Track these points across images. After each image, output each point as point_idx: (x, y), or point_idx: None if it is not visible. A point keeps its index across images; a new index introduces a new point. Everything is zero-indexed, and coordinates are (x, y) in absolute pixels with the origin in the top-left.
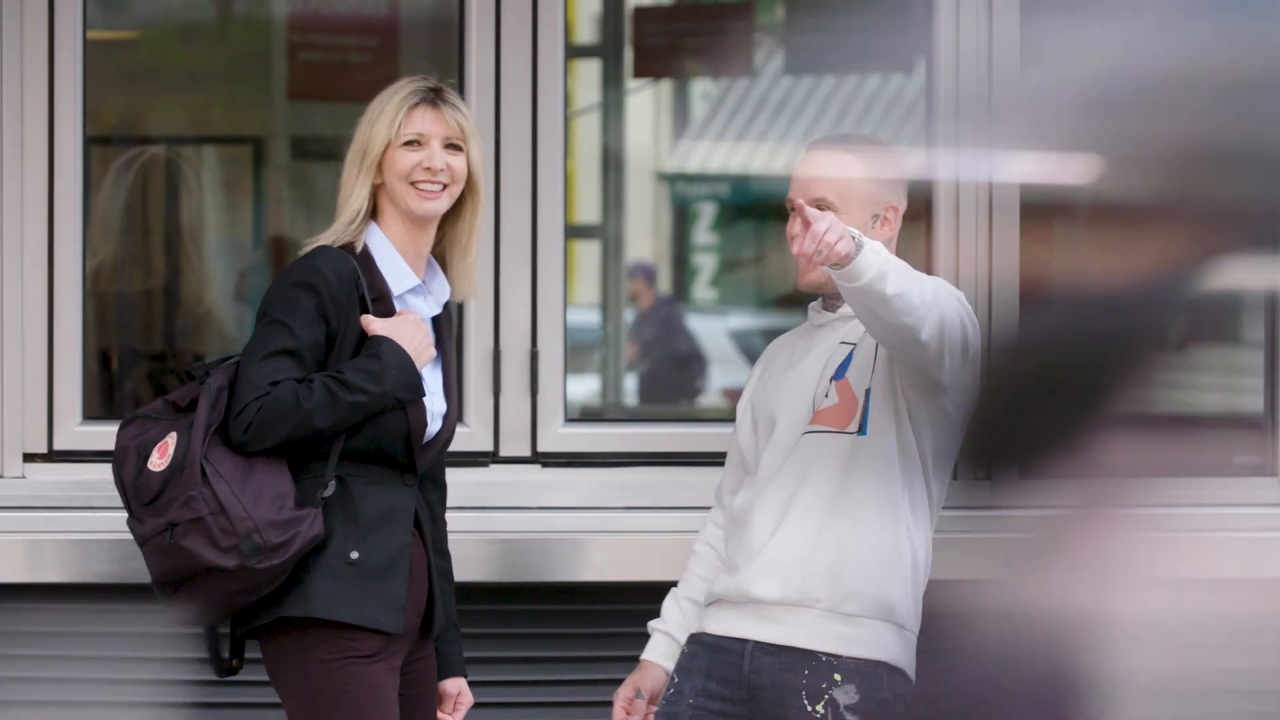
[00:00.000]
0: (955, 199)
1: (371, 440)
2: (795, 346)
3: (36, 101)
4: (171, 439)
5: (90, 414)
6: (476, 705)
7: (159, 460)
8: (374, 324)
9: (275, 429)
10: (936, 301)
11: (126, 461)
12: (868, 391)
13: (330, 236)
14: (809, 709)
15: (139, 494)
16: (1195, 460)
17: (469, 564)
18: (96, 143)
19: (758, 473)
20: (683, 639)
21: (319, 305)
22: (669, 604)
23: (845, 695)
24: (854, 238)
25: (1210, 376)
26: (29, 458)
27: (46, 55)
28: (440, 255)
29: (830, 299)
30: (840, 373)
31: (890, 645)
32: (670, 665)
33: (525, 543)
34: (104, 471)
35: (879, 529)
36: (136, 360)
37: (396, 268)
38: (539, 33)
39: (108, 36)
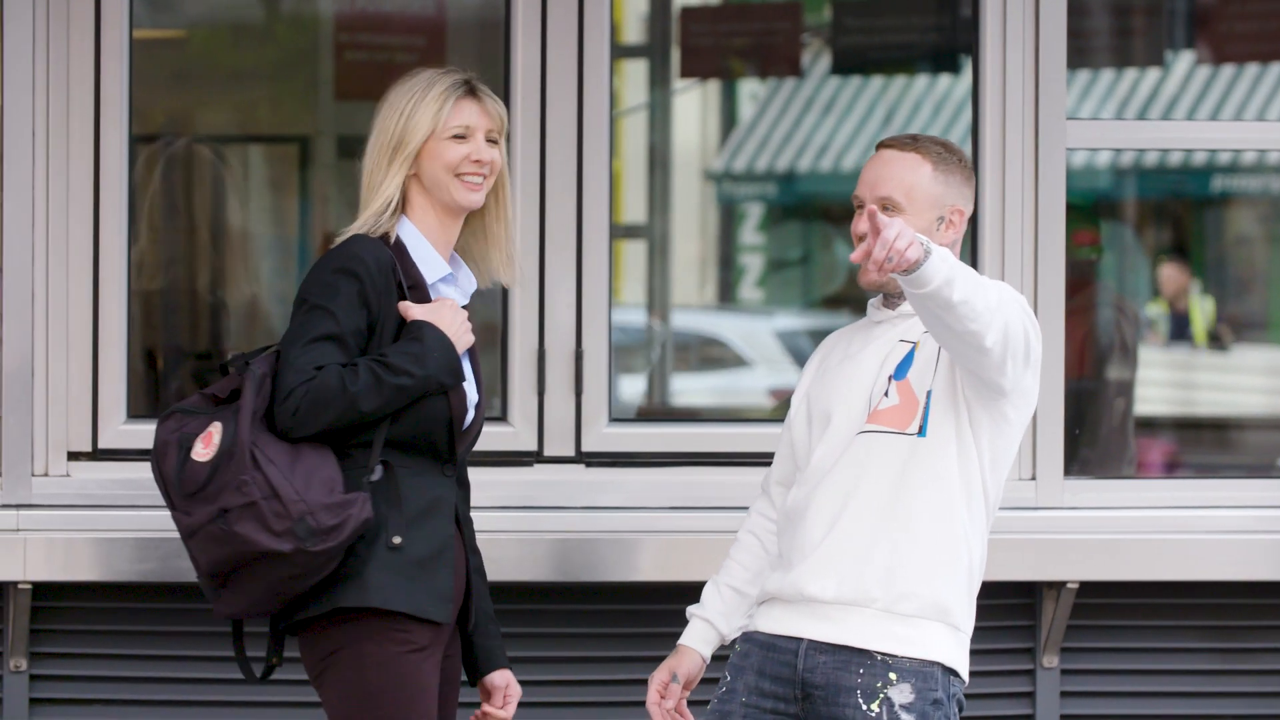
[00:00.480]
0: (1001, 199)
1: (414, 426)
2: (853, 341)
3: (83, 100)
4: (216, 428)
5: (135, 412)
6: (522, 705)
7: (204, 450)
8: (413, 309)
9: (322, 413)
10: (1001, 308)
11: (168, 456)
12: (929, 393)
13: (363, 226)
14: (864, 708)
15: (184, 485)
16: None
17: (513, 564)
18: (143, 141)
19: (810, 467)
20: (723, 626)
21: (360, 292)
22: (709, 590)
23: (900, 695)
24: (922, 244)
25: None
26: (73, 456)
27: (93, 54)
28: (461, 247)
29: (890, 297)
30: (901, 373)
31: (945, 646)
32: (707, 652)
33: (569, 543)
34: (148, 470)
35: (935, 530)
36: (182, 359)
37: (428, 257)
38: (585, 32)
39: (154, 35)
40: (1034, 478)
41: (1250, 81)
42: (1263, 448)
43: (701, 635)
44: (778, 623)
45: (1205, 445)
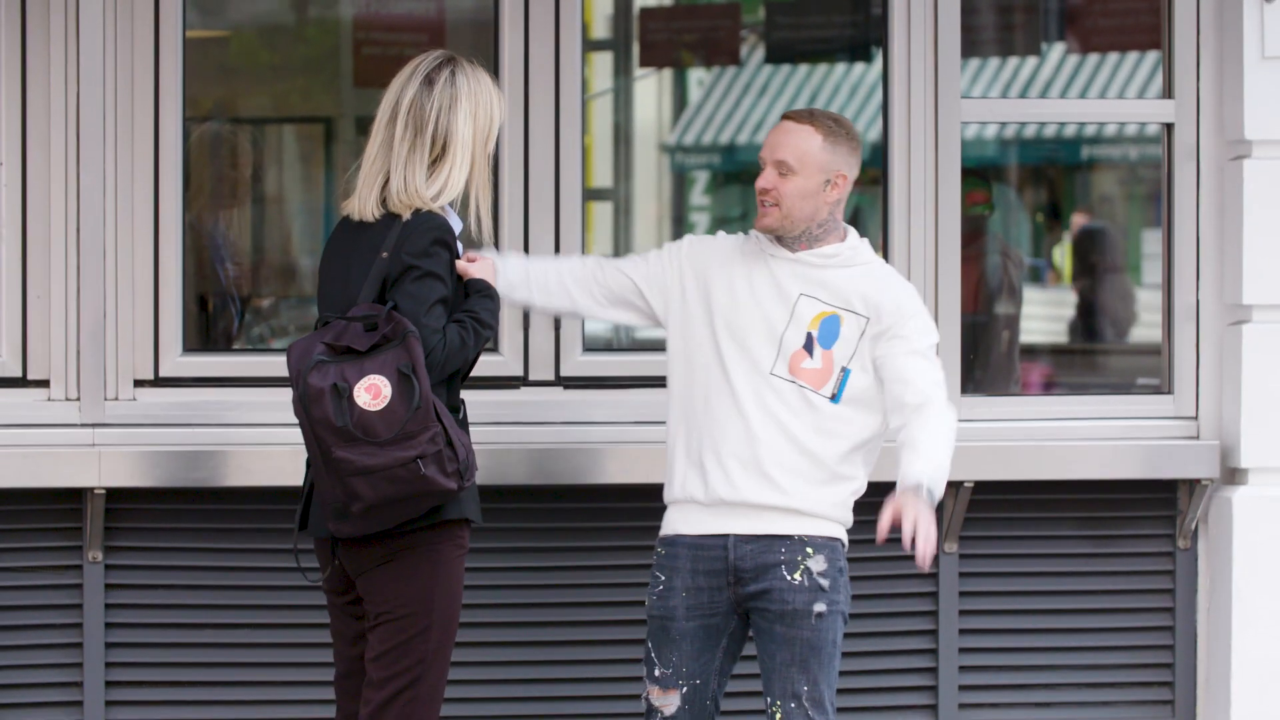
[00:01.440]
0: (907, 165)
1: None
2: (752, 268)
3: (144, 90)
4: (381, 381)
5: (189, 347)
6: (505, 587)
7: (373, 401)
8: (471, 268)
9: (450, 365)
10: (953, 426)
11: (323, 401)
12: (846, 371)
13: (445, 201)
14: (789, 578)
15: (365, 431)
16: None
17: (502, 470)
18: (194, 123)
19: (731, 389)
20: (506, 271)
21: (450, 260)
22: (524, 263)
23: (816, 564)
24: (932, 506)
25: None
26: (139, 383)
27: (152, 51)
28: None
29: (789, 240)
30: (827, 342)
31: (842, 529)
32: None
33: (550, 452)
34: (201, 395)
35: (838, 464)
36: (228, 303)
37: (452, 219)
38: (560, 29)
39: (204, 35)
40: None
41: (1111, 67)
42: (1123, 370)
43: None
44: (702, 524)
45: (1076, 368)
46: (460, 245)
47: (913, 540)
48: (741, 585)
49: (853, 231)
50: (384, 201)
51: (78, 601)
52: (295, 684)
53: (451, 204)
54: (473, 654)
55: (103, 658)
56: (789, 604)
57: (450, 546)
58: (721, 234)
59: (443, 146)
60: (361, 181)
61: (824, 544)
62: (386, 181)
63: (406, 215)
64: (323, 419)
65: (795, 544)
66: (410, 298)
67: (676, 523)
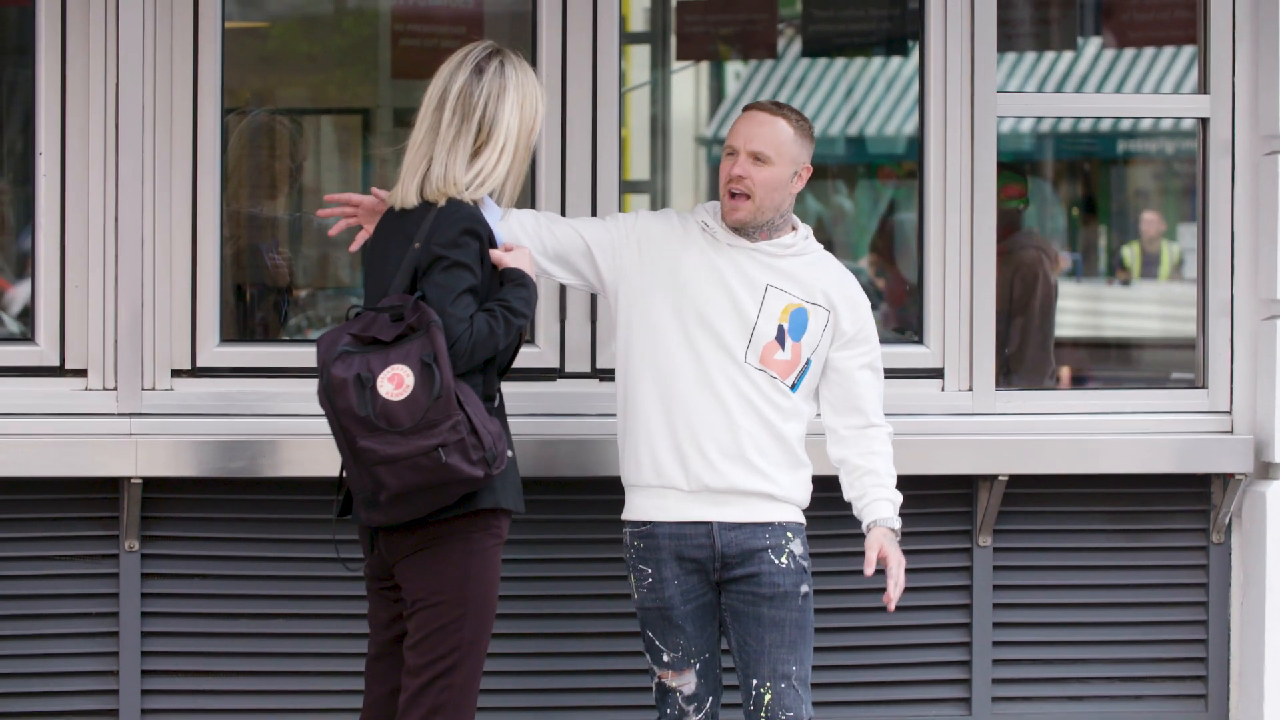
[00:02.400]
0: (943, 159)
1: (506, 352)
2: (717, 261)
3: (183, 80)
4: (404, 371)
5: (226, 337)
6: (545, 579)
7: (395, 390)
8: (506, 258)
9: (478, 354)
10: (889, 434)
11: (345, 392)
12: (808, 362)
13: (479, 193)
14: (776, 561)
15: (389, 420)
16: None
17: (540, 462)
18: (233, 114)
19: (705, 376)
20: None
21: (481, 249)
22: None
23: (797, 548)
24: (898, 539)
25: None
26: (176, 373)
27: (191, 43)
28: None
29: (750, 230)
30: (797, 334)
31: (802, 518)
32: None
33: (586, 443)
34: (238, 385)
35: (799, 450)
36: (265, 293)
37: (491, 209)
38: (598, 22)
39: (243, 26)
40: (971, 389)
41: (1147, 61)
42: (1158, 364)
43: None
44: (683, 511)
45: (1112, 362)
46: (500, 234)
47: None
48: (726, 570)
49: (799, 220)
50: (422, 189)
51: (114, 591)
52: (329, 674)
53: (492, 194)
54: (511, 645)
55: (138, 646)
56: (779, 586)
57: (484, 535)
58: (670, 211)
59: (488, 135)
60: (405, 169)
61: (797, 528)
62: (429, 169)
63: (441, 203)
64: (346, 409)
65: (777, 529)
66: (437, 287)
67: (650, 509)
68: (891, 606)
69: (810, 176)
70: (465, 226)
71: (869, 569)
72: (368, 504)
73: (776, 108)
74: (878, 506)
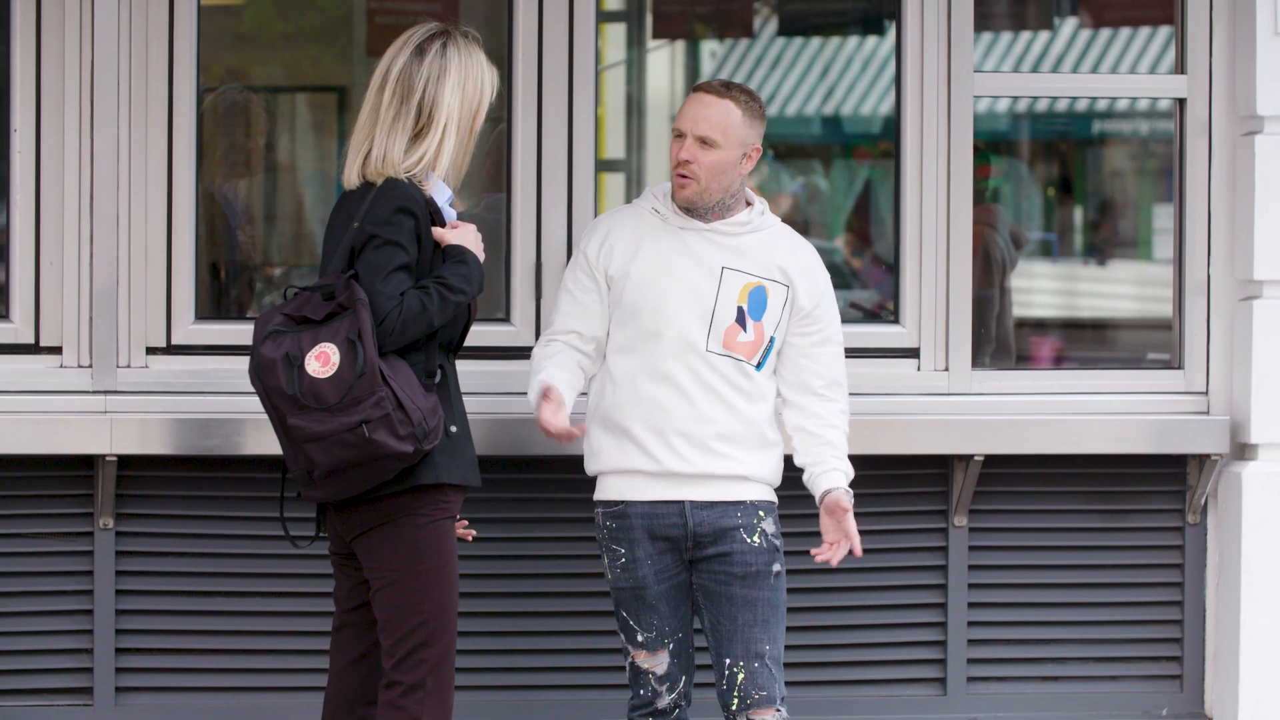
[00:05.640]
0: (920, 139)
1: (450, 329)
2: (662, 242)
3: (159, 58)
4: (330, 349)
5: (202, 315)
6: (516, 558)
7: (322, 368)
8: (447, 235)
9: (409, 331)
10: (846, 407)
11: (274, 372)
12: (772, 339)
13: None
14: (748, 540)
15: (316, 398)
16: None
17: (514, 441)
18: (208, 91)
19: (661, 366)
20: (568, 396)
21: (415, 227)
22: (556, 368)
23: (769, 526)
24: (850, 500)
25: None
26: (151, 350)
27: (167, 20)
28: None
29: (700, 210)
30: (757, 314)
31: (774, 496)
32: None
33: None
34: (213, 362)
35: (767, 430)
36: (240, 271)
37: (438, 185)
38: (574, 0)
39: (218, 3)
40: (946, 369)
41: (1123, 42)
42: (1133, 344)
43: (558, 383)
44: (654, 492)
45: (1087, 342)
46: (455, 211)
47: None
48: (699, 549)
49: (755, 196)
50: (363, 170)
51: (89, 569)
52: (304, 652)
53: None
54: (485, 624)
55: (113, 625)
56: (752, 565)
57: (432, 509)
58: (615, 212)
59: (429, 117)
60: (349, 150)
61: (769, 507)
62: (369, 151)
63: (379, 184)
64: (275, 388)
65: (749, 508)
66: (368, 265)
67: (622, 489)
68: (834, 562)
69: (787, 156)
70: (399, 205)
71: (829, 553)
72: (304, 481)
73: (725, 88)
74: (832, 476)
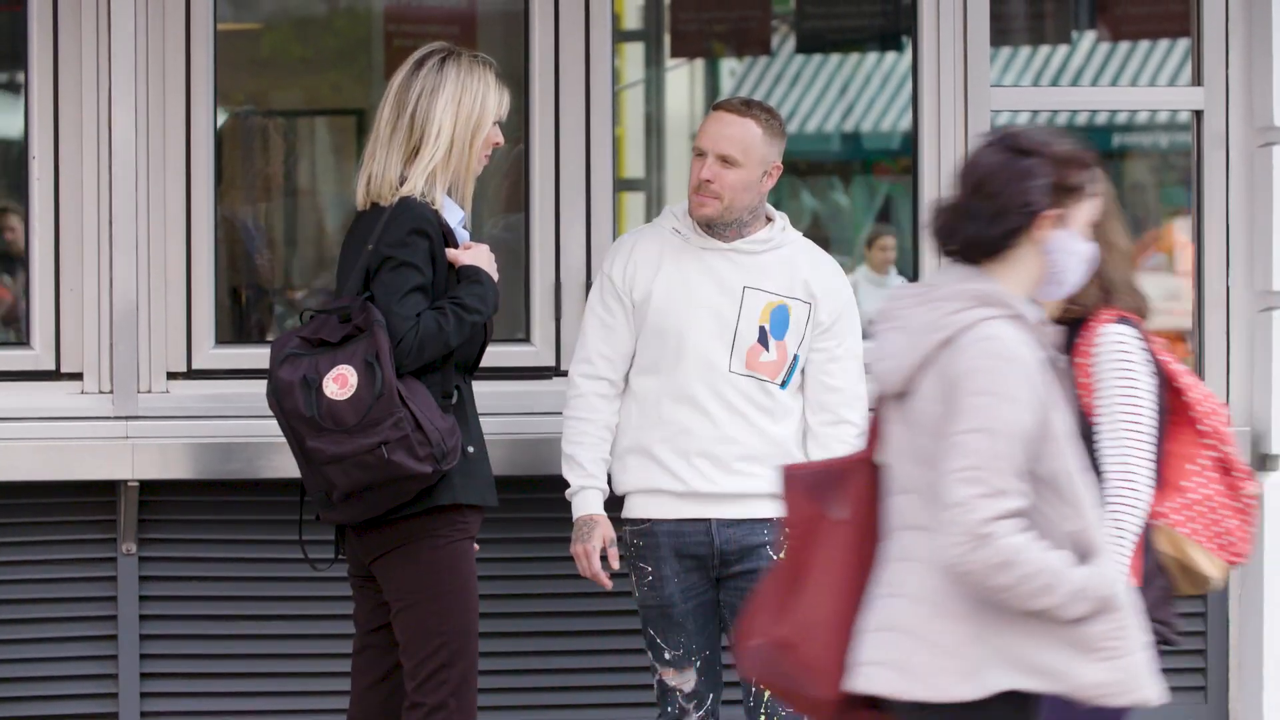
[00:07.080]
0: (937, 155)
1: (466, 349)
2: (683, 262)
3: (176, 84)
4: (348, 370)
5: (222, 339)
6: (538, 578)
7: (340, 390)
8: (461, 256)
9: (425, 352)
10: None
11: (292, 394)
12: (796, 357)
13: (430, 194)
14: (775, 557)
15: (334, 420)
16: None
17: (535, 461)
18: (226, 116)
19: (684, 388)
20: (605, 487)
21: (430, 248)
22: (591, 462)
23: None
24: None
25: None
26: (172, 375)
27: (184, 45)
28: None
29: (718, 228)
30: (780, 333)
31: None
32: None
33: None
34: (234, 386)
35: (790, 445)
36: (261, 295)
37: (449, 205)
38: (591, 20)
39: (235, 28)
40: None
41: (1141, 55)
42: None
43: (601, 500)
44: (680, 510)
45: None
46: (467, 232)
47: None
48: (726, 566)
49: (775, 211)
50: (368, 189)
51: (112, 594)
52: (326, 675)
53: (450, 193)
54: (511, 644)
55: (137, 649)
56: None
57: (450, 530)
58: (636, 232)
59: (422, 132)
60: (359, 171)
61: None
62: (372, 169)
63: (386, 204)
64: (293, 410)
65: (775, 525)
66: (384, 287)
67: (649, 508)
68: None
69: (807, 173)
70: (413, 226)
71: None
72: (323, 504)
73: (745, 106)
74: None
